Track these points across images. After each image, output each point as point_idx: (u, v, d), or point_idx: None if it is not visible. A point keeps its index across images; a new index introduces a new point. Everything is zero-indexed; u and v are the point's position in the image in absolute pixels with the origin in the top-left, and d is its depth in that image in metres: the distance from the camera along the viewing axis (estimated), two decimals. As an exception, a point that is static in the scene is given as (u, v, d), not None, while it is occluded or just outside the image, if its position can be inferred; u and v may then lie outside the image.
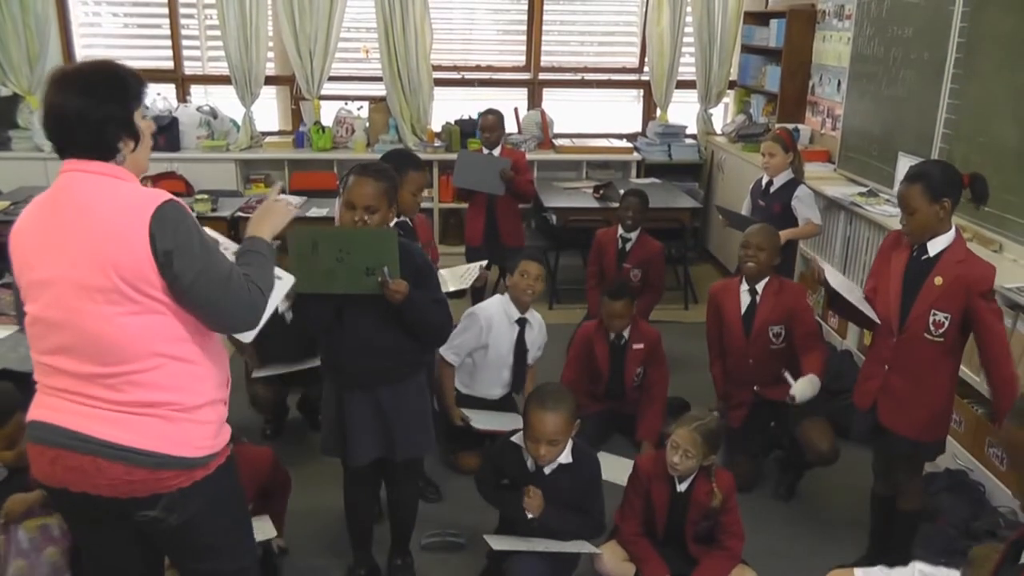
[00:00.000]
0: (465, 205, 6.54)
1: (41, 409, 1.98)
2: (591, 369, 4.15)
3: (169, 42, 6.73)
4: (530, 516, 2.89)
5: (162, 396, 1.94)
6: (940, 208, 2.81)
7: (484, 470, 3.14)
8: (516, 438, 2.99)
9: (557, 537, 2.95)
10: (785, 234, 4.21)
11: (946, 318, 2.86)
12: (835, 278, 3.14)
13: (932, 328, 2.88)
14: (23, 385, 2.65)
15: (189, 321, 1.97)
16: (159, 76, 6.76)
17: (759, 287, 3.73)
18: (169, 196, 1.92)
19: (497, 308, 3.93)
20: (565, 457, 2.93)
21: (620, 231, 5.02)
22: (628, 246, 4.99)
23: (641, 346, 4.10)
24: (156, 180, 5.96)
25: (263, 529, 2.90)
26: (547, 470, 2.93)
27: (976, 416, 3.62)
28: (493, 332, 3.88)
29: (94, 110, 1.90)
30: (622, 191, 5.24)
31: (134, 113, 1.96)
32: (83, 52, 6.72)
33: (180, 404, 1.97)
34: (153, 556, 2.24)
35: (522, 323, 3.96)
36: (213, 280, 1.92)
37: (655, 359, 4.14)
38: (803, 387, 3.46)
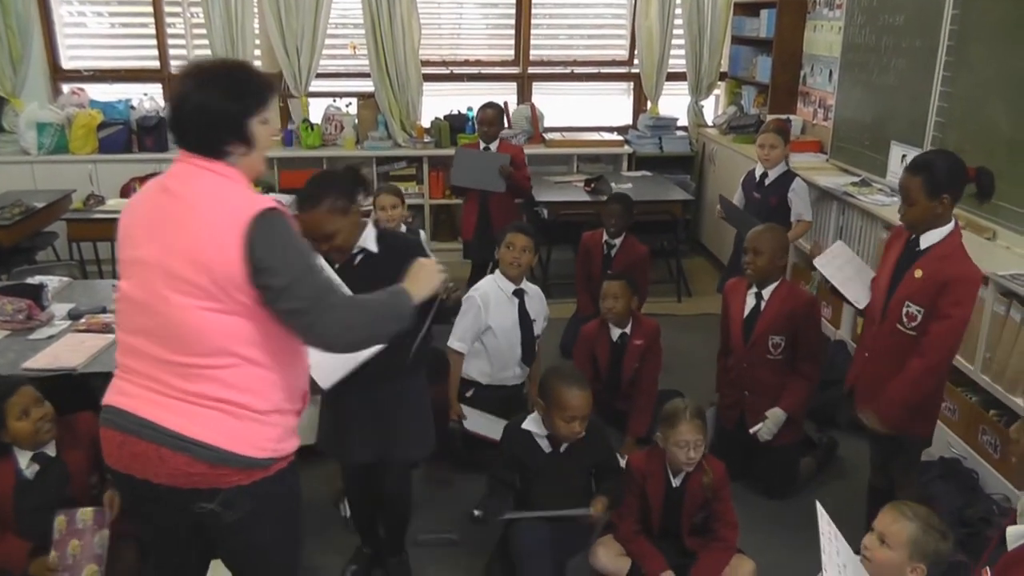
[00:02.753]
0: (457, 201, 6.55)
1: (115, 394, 2.02)
2: (592, 367, 4.13)
3: (155, 41, 6.66)
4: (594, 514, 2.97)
5: (231, 394, 1.95)
6: (939, 203, 2.78)
7: (496, 473, 3.12)
8: (526, 424, 3.03)
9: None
10: None
11: (919, 311, 2.83)
12: (830, 260, 3.16)
13: (905, 320, 2.87)
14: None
15: (271, 328, 1.97)
16: (145, 76, 6.72)
17: (766, 291, 3.61)
18: (273, 204, 1.92)
19: (491, 286, 3.94)
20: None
21: (605, 237, 4.98)
22: (613, 252, 4.96)
23: (641, 342, 4.07)
24: (144, 181, 5.89)
25: None
26: (562, 448, 2.99)
27: (969, 404, 3.61)
28: (492, 310, 3.87)
29: (208, 108, 1.91)
30: (613, 184, 5.23)
31: (251, 119, 1.96)
32: (68, 53, 6.67)
33: (248, 405, 1.97)
34: (207, 553, 2.25)
35: (520, 294, 3.97)
36: (306, 290, 1.91)
37: (652, 352, 4.10)
38: (767, 427, 3.61)
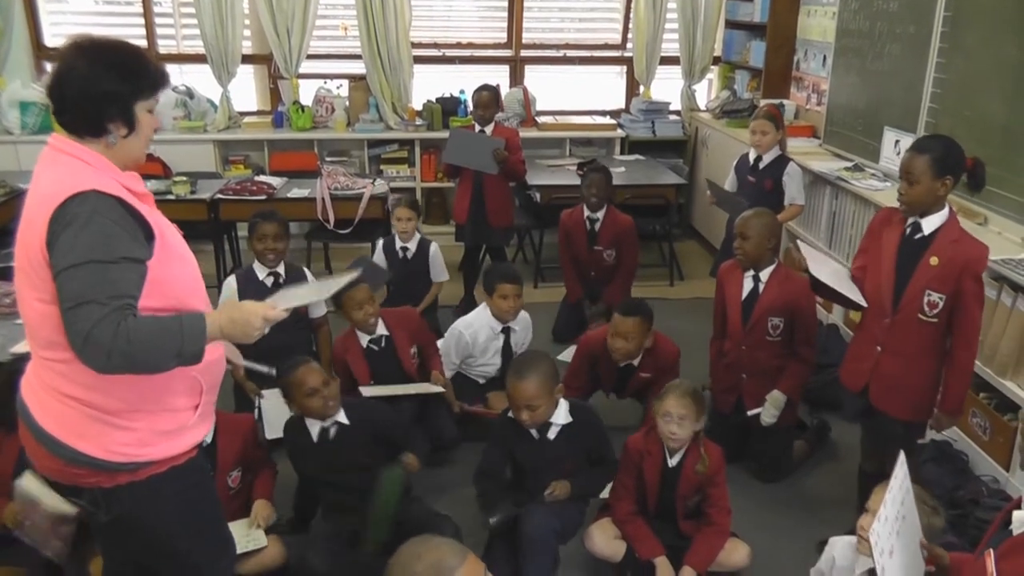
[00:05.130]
0: (449, 184, 6.54)
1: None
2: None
3: (141, 20, 6.56)
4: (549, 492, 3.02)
5: (76, 391, 1.87)
6: (941, 184, 2.79)
7: (486, 458, 3.17)
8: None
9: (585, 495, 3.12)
10: None
11: (940, 298, 2.84)
12: (817, 266, 3.10)
13: (926, 309, 2.87)
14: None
15: None
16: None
17: (763, 274, 3.61)
18: (90, 188, 1.77)
19: (481, 323, 3.97)
20: (563, 418, 3.02)
21: (586, 212, 4.91)
22: (597, 227, 4.90)
23: (649, 374, 3.78)
24: (134, 161, 5.86)
25: (254, 538, 2.88)
26: (550, 435, 3.02)
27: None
28: (479, 345, 3.96)
29: (98, 82, 1.84)
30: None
31: (139, 102, 1.89)
32: (51, 31, 6.55)
33: (94, 403, 1.87)
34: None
35: (507, 331, 4.02)
36: (75, 282, 1.71)
37: (665, 375, 3.65)
38: (769, 410, 3.62)
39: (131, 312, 1.74)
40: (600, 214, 4.89)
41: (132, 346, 1.70)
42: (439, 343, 4.04)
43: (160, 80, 1.95)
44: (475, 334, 3.93)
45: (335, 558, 2.91)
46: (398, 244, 4.72)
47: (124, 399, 1.88)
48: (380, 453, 3.09)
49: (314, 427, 3.01)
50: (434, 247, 4.80)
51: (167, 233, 1.92)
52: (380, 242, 4.83)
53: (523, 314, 4.08)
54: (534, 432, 3.01)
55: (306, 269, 4.11)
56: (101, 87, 1.83)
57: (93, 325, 1.69)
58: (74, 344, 1.71)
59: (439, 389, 3.74)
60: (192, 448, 2.03)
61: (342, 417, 3.02)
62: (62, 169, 1.84)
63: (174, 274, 1.91)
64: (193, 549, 2.10)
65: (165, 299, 1.87)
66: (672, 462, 2.98)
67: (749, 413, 3.65)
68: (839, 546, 2.59)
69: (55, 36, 6.57)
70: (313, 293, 2.34)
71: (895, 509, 1.96)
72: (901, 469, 2.02)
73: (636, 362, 3.78)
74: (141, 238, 1.82)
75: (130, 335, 1.69)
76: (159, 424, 1.94)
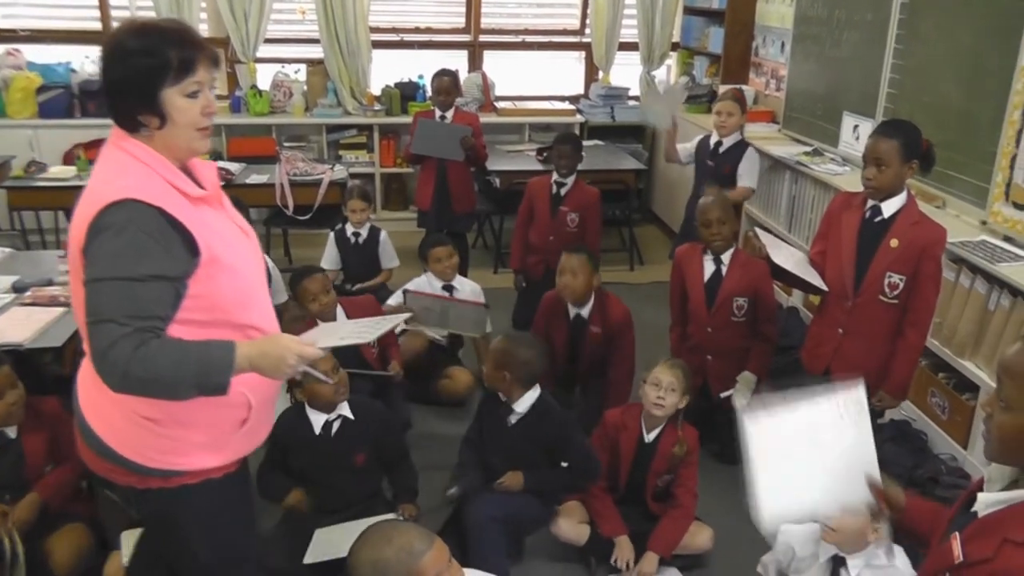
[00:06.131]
0: (408, 170, 6.50)
1: None
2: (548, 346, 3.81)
3: (96, 1, 6.40)
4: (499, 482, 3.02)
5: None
6: (909, 168, 2.85)
7: (471, 428, 3.25)
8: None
9: (545, 493, 3.09)
10: None
11: (901, 280, 2.90)
12: (777, 252, 3.14)
13: (887, 290, 2.92)
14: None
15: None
16: (86, 38, 6.44)
17: (724, 257, 3.65)
18: (129, 197, 1.68)
19: (422, 284, 4.18)
20: (523, 407, 3.02)
21: (555, 176, 4.90)
22: (564, 191, 4.87)
23: (599, 330, 3.80)
24: (89, 147, 5.73)
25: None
26: (511, 421, 3.03)
27: (919, 368, 3.68)
28: None
29: (115, 73, 1.73)
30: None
31: (163, 89, 1.72)
32: (1, 11, 6.38)
33: (133, 407, 1.80)
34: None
35: (449, 289, 4.17)
36: (94, 298, 1.65)
37: (618, 346, 3.79)
38: (742, 391, 3.64)
39: (153, 335, 1.65)
40: (568, 181, 4.87)
41: (147, 372, 1.62)
42: (388, 301, 4.15)
43: (189, 62, 1.74)
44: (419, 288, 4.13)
45: (294, 559, 2.85)
46: (349, 230, 4.72)
47: (164, 408, 1.80)
48: (376, 464, 3.08)
49: (318, 420, 2.95)
50: (384, 234, 4.81)
51: (216, 243, 1.78)
52: (331, 234, 4.78)
53: (468, 281, 4.36)
54: (502, 411, 3.04)
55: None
56: (117, 78, 1.73)
57: (110, 345, 1.62)
58: (93, 359, 1.65)
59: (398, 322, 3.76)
60: (232, 463, 1.95)
61: (346, 410, 2.98)
62: (111, 166, 1.77)
63: (220, 289, 1.80)
64: (214, 562, 2.04)
65: (210, 313, 1.79)
66: (649, 437, 3.01)
67: (722, 395, 3.68)
68: (798, 537, 2.58)
69: (6, 17, 6.39)
70: (355, 334, 2.04)
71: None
72: (860, 392, 1.99)
73: (586, 313, 3.78)
74: (182, 252, 1.72)
75: (147, 361, 1.62)
76: (197, 436, 1.86)
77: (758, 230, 3.40)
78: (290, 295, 3.93)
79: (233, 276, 1.82)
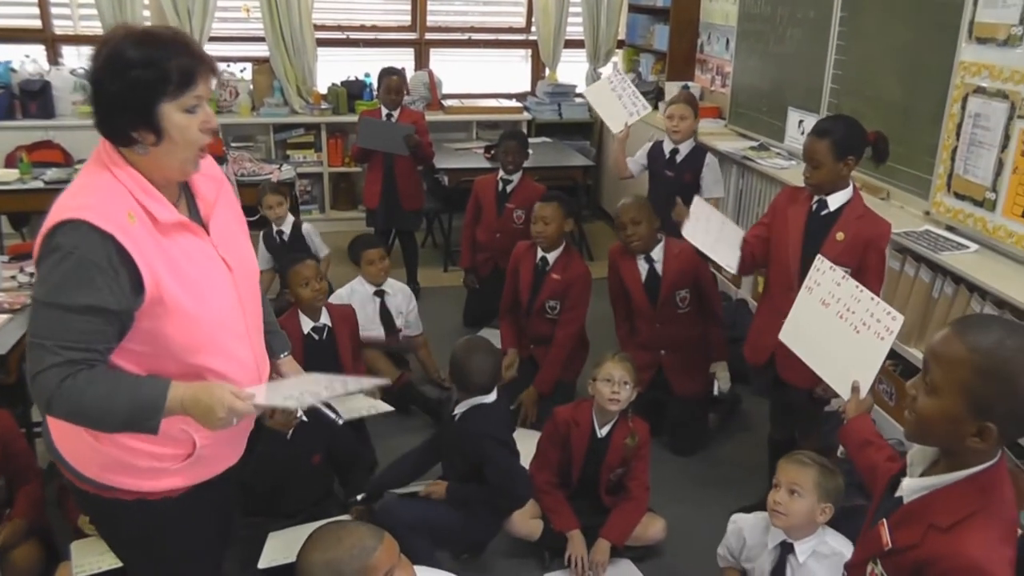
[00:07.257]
0: (357, 169, 6.45)
1: None
2: (514, 288, 4.12)
3: (35, -2, 6.24)
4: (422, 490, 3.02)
5: None
6: (844, 165, 2.89)
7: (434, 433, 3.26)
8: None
9: (469, 505, 2.99)
10: None
11: (846, 271, 2.94)
12: (696, 225, 3.16)
13: None
14: None
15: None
16: (26, 36, 6.30)
17: (655, 254, 3.71)
18: (84, 219, 1.56)
19: (354, 288, 4.20)
20: (462, 407, 2.99)
21: (501, 173, 4.91)
22: (510, 188, 4.87)
23: (559, 277, 3.96)
24: (31, 150, 5.57)
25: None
26: (456, 412, 3.00)
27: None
28: (355, 306, 3.95)
29: (108, 86, 1.60)
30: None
31: (161, 103, 1.61)
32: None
33: None
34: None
35: (380, 294, 4.18)
36: (33, 319, 1.60)
37: (571, 299, 3.96)
38: (724, 378, 3.75)
39: (85, 366, 1.57)
40: (515, 178, 4.88)
41: (72, 406, 1.57)
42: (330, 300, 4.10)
43: (190, 75, 1.63)
44: (350, 296, 4.13)
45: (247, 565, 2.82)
46: (274, 231, 4.69)
47: None
48: (329, 465, 3.07)
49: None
50: (307, 226, 4.82)
51: (168, 282, 1.65)
52: (260, 239, 4.69)
53: (398, 283, 4.34)
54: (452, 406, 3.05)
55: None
56: (115, 91, 1.60)
57: (40, 371, 1.56)
58: (27, 377, 1.60)
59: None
60: (171, 489, 1.82)
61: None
62: (84, 179, 1.67)
63: (165, 330, 1.67)
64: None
65: (155, 347, 1.69)
66: (602, 433, 3.02)
67: (716, 394, 3.78)
68: (748, 526, 2.62)
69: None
70: (303, 395, 1.82)
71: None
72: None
73: (552, 259, 3.99)
74: (127, 286, 1.60)
75: (72, 393, 1.55)
76: (129, 458, 1.75)
77: (697, 198, 3.39)
78: (283, 289, 4.00)
79: (182, 319, 1.68)
